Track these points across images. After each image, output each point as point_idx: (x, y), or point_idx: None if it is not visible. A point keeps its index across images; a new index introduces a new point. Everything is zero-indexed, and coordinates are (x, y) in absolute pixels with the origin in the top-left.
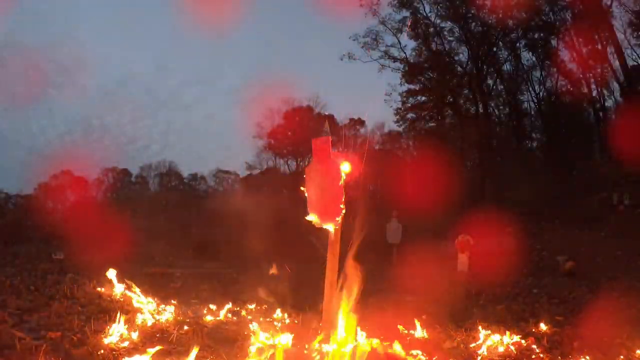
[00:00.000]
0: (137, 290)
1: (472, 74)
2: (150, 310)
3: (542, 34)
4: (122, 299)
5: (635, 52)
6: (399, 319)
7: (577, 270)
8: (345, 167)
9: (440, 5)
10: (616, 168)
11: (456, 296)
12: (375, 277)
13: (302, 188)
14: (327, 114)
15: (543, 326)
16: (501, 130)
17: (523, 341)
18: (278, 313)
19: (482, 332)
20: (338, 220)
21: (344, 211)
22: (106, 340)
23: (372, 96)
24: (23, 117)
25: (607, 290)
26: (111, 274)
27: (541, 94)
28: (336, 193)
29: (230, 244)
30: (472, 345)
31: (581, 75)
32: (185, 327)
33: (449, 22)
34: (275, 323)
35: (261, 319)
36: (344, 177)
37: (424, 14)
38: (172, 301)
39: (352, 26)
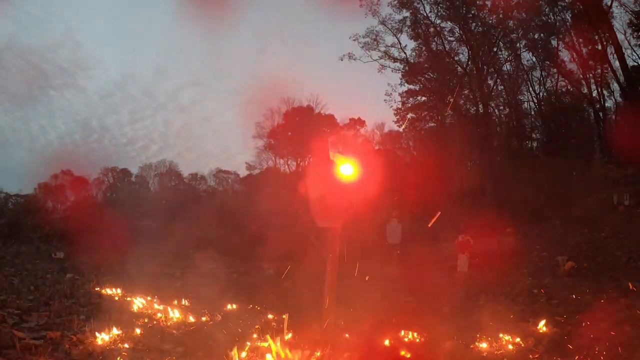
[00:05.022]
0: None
1: (472, 74)
2: (150, 310)
3: (542, 34)
4: (122, 300)
5: (635, 53)
6: (399, 319)
7: (577, 270)
8: (347, 169)
9: (441, 5)
10: (616, 168)
11: (456, 296)
12: (375, 277)
13: (304, 190)
14: (327, 114)
15: (543, 326)
16: (501, 131)
17: (523, 341)
18: (278, 313)
19: (482, 332)
20: (341, 221)
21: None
22: (106, 340)
23: (372, 96)
24: (23, 117)
25: (607, 291)
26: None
27: (541, 94)
28: (339, 194)
29: (230, 244)
30: (472, 345)
31: (581, 76)
32: (185, 328)
33: (449, 23)
34: (274, 323)
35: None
36: (345, 178)
37: (424, 14)
38: (173, 302)
39: (353, 26)
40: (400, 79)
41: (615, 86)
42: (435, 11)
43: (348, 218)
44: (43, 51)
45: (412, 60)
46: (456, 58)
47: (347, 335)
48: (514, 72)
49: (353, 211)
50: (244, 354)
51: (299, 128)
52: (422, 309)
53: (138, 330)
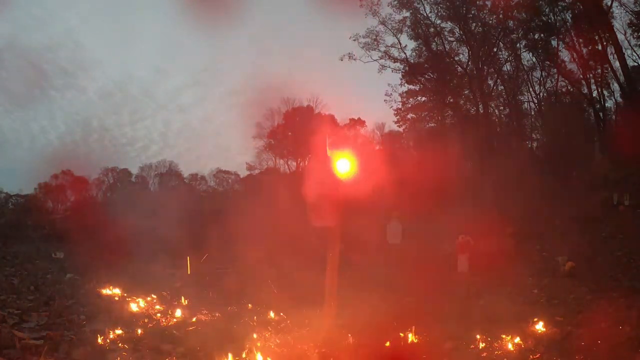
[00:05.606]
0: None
1: (472, 75)
2: (151, 310)
3: (542, 35)
4: (122, 300)
5: (636, 53)
6: (399, 319)
7: (577, 270)
8: (344, 166)
9: (441, 5)
10: (616, 168)
11: (456, 296)
12: (375, 277)
13: (303, 190)
14: (327, 114)
15: (543, 327)
16: (501, 131)
17: (523, 342)
18: (278, 313)
19: (482, 333)
20: (336, 220)
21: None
22: (106, 341)
23: (372, 96)
24: (24, 117)
25: (607, 291)
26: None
27: (541, 94)
28: (335, 193)
29: (230, 244)
30: (472, 345)
31: (581, 76)
32: (185, 328)
33: (450, 23)
34: (274, 323)
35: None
36: (344, 177)
37: (424, 14)
38: (173, 302)
39: (353, 26)
40: (401, 79)
41: (615, 86)
42: (435, 11)
43: (343, 217)
44: (43, 51)
45: (412, 61)
46: (456, 58)
47: (347, 335)
48: (514, 72)
49: (350, 210)
50: (243, 355)
51: (299, 128)
52: (422, 309)
53: (138, 330)
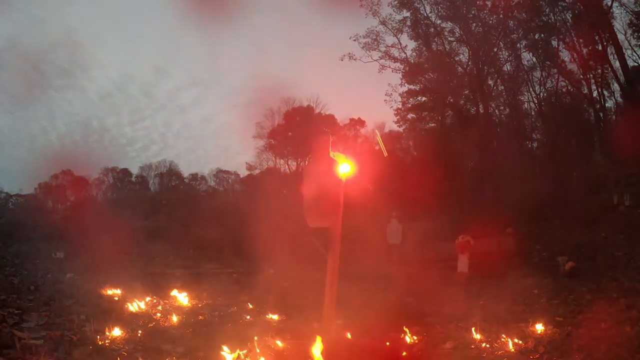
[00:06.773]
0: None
1: (472, 75)
2: (151, 310)
3: (542, 35)
4: (122, 300)
5: (636, 53)
6: (399, 319)
7: (577, 270)
8: (346, 168)
9: (441, 5)
10: (616, 168)
11: (456, 296)
12: (375, 277)
13: (301, 190)
14: (327, 114)
15: (543, 327)
16: (501, 131)
17: (523, 342)
18: (278, 313)
19: (482, 333)
20: (332, 220)
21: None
22: (106, 341)
23: (372, 96)
24: (24, 118)
25: (607, 291)
26: None
27: (541, 94)
28: (332, 194)
29: (230, 244)
30: (472, 345)
31: (581, 76)
32: (185, 328)
33: (450, 23)
34: (275, 324)
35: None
36: (344, 178)
37: (425, 14)
38: (173, 302)
39: (353, 26)
40: (401, 79)
41: (615, 86)
42: (436, 11)
43: (339, 218)
44: (43, 52)
45: (412, 61)
46: (456, 58)
47: (347, 335)
48: (514, 72)
49: (350, 210)
50: (242, 355)
51: (300, 128)
52: (422, 309)
53: (138, 331)
